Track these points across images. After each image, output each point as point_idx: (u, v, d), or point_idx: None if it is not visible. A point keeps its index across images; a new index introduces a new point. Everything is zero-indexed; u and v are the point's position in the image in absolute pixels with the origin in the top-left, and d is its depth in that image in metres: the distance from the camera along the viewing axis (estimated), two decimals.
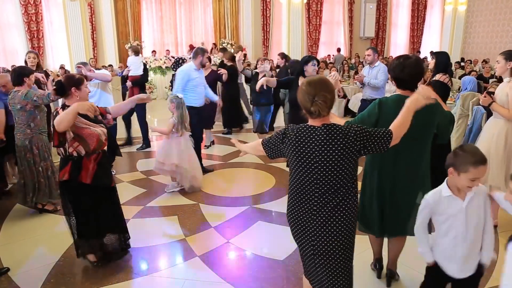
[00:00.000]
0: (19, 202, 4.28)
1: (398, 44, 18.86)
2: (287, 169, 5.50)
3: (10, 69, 11.24)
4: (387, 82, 7.33)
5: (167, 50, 14.99)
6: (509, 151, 3.64)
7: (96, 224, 3.17)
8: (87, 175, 3.03)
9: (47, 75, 5.65)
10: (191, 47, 15.26)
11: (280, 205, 4.50)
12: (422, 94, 2.22)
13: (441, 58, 4.12)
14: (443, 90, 3.72)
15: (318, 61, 4.80)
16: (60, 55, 13.43)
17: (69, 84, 3.02)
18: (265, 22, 16.42)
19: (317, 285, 2.19)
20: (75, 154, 2.98)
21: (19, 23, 12.99)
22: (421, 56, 16.34)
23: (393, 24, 18.62)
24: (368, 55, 6.01)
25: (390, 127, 2.10)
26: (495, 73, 10.89)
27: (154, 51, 14.54)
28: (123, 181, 5.29)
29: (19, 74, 4.08)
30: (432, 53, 4.79)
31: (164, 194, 4.85)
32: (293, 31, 13.03)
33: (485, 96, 3.70)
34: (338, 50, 16.21)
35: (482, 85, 8.27)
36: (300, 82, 4.49)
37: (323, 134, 1.98)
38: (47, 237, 3.84)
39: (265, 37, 16.41)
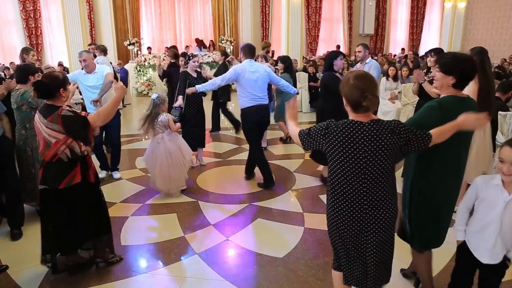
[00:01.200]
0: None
1: (397, 41, 18.86)
2: (287, 166, 5.53)
3: (9, 66, 11.25)
4: (388, 80, 7.34)
5: (166, 47, 14.95)
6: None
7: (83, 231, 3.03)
8: (92, 173, 2.97)
9: (42, 73, 5.62)
10: (197, 40, 15.23)
11: (280, 202, 4.50)
12: (478, 119, 2.18)
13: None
14: None
15: (345, 55, 5.12)
16: (59, 52, 13.41)
17: (56, 85, 2.80)
18: (264, 19, 16.40)
19: (360, 275, 2.21)
20: (86, 152, 2.89)
21: (17, 20, 12.96)
22: (420, 54, 16.31)
23: (393, 21, 18.61)
24: (358, 51, 5.77)
25: (434, 132, 2.15)
26: (494, 69, 10.89)
27: (149, 48, 14.48)
28: (122, 178, 5.28)
29: (25, 73, 3.97)
30: (432, 51, 4.76)
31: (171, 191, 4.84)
32: (292, 28, 13.01)
33: (432, 89, 4.00)
34: (337, 47, 16.18)
35: (493, 84, 8.25)
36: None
37: (372, 130, 2.01)
38: None
39: (264, 34, 16.39)
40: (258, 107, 4.76)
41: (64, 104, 2.86)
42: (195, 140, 5.47)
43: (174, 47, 8.65)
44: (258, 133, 4.97)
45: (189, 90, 4.94)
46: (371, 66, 5.57)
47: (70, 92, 2.99)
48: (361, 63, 5.77)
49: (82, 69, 5.04)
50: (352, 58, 14.69)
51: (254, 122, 4.82)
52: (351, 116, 2.09)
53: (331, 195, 2.19)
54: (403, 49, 17.48)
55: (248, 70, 4.68)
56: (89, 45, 6.80)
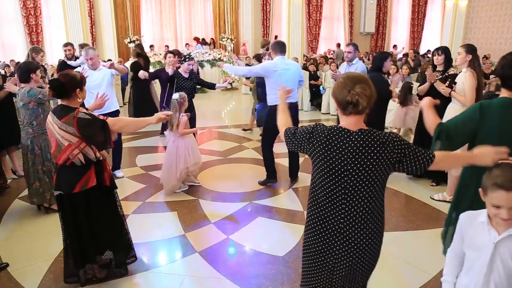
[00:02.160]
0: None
1: (398, 39, 18.82)
2: (287, 164, 5.51)
3: (9, 64, 11.23)
4: (389, 78, 7.32)
5: (166, 46, 14.94)
6: None
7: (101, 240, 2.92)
8: (108, 176, 2.86)
9: (45, 70, 5.63)
10: (196, 39, 15.23)
11: (280, 201, 4.49)
12: (497, 153, 1.86)
13: (449, 53, 4.45)
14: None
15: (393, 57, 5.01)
16: (59, 50, 13.35)
17: (72, 85, 2.69)
18: (265, 17, 16.38)
19: None
20: (101, 158, 2.79)
21: (17, 17, 12.95)
22: (421, 52, 16.30)
23: (394, 20, 18.58)
24: (348, 52, 5.43)
25: (439, 154, 1.85)
26: (495, 68, 10.88)
27: (152, 46, 14.47)
28: (122, 176, 5.27)
29: (26, 71, 3.91)
30: (438, 49, 4.77)
31: (164, 189, 4.83)
32: (293, 26, 12.96)
33: (443, 88, 4.17)
34: (338, 45, 16.16)
35: (483, 81, 8.24)
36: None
37: (358, 140, 1.77)
38: (46, 233, 3.83)
39: (265, 32, 16.36)
40: (288, 104, 4.68)
41: (79, 105, 2.76)
42: None
43: (139, 45, 8.61)
44: (276, 133, 4.90)
45: (220, 63, 5.43)
46: (357, 68, 5.27)
47: (85, 93, 2.86)
48: (348, 63, 5.49)
49: (81, 66, 5.03)
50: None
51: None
52: (342, 122, 1.87)
53: (309, 207, 1.96)
54: (395, 46, 17.40)
55: (280, 66, 4.60)
56: (67, 44, 6.64)
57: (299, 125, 4.09)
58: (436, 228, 3.74)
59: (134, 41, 13.72)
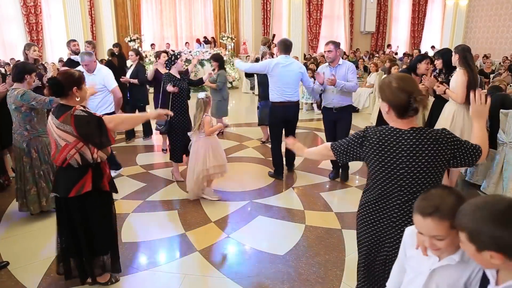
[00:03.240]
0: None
1: (399, 38, 18.82)
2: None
3: (9, 62, 11.23)
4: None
5: (167, 44, 14.93)
6: (452, 130, 4.03)
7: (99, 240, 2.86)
8: (107, 181, 2.76)
9: (45, 69, 5.63)
10: (198, 41, 15.23)
11: (281, 200, 4.50)
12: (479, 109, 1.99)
13: (447, 57, 4.47)
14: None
15: (431, 60, 4.86)
16: (59, 48, 13.37)
17: (69, 84, 2.62)
18: (265, 16, 16.37)
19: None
20: (98, 159, 2.69)
21: (18, 15, 12.94)
22: (422, 51, 16.29)
23: (394, 19, 18.57)
24: (328, 51, 4.68)
25: (479, 145, 1.91)
26: (496, 68, 10.87)
27: (153, 45, 14.47)
28: (122, 175, 5.27)
29: (21, 71, 3.80)
30: (437, 53, 4.89)
31: (164, 188, 4.84)
32: (293, 25, 12.95)
33: (438, 86, 4.27)
34: (338, 45, 16.15)
35: (483, 80, 8.22)
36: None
37: (411, 138, 1.83)
38: (47, 231, 3.82)
39: (266, 31, 16.35)
40: (286, 104, 4.84)
41: (79, 104, 2.69)
42: (182, 150, 5.00)
43: (117, 44, 8.53)
44: (280, 128, 5.08)
45: (235, 63, 5.39)
46: (348, 68, 4.70)
47: (86, 93, 2.79)
48: (330, 65, 4.75)
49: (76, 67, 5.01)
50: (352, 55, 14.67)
51: (279, 118, 4.95)
52: (393, 123, 1.91)
53: (364, 203, 2.07)
54: (389, 45, 17.45)
55: (280, 64, 4.77)
56: (73, 40, 6.64)
57: (297, 123, 3.89)
58: None
59: (134, 40, 13.72)
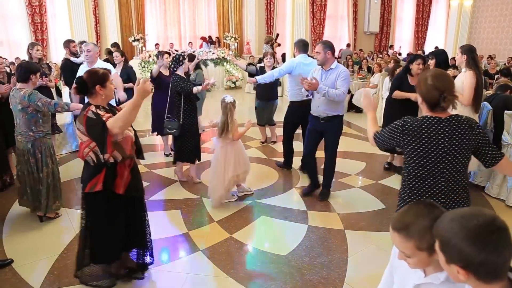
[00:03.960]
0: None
1: (402, 39, 18.76)
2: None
3: (14, 61, 11.28)
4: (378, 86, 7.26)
5: (171, 43, 14.95)
6: None
7: (118, 245, 2.84)
8: (122, 183, 2.67)
9: (49, 68, 5.65)
10: (205, 39, 15.23)
11: (283, 200, 4.50)
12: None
13: (441, 58, 4.58)
14: None
15: (423, 59, 4.91)
16: (63, 48, 13.42)
17: (93, 82, 2.59)
18: (269, 16, 16.36)
19: None
20: (111, 160, 2.61)
21: (23, 15, 12.99)
22: (426, 52, 16.24)
23: (398, 19, 18.50)
24: (316, 52, 4.14)
25: (506, 159, 2.16)
26: (500, 68, 10.82)
27: (157, 44, 14.50)
28: None
29: (26, 71, 3.75)
30: (430, 53, 4.98)
31: (167, 187, 4.85)
32: (297, 25, 12.93)
33: None
34: (348, 45, 16.34)
35: (487, 81, 8.20)
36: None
37: (451, 125, 2.06)
38: (51, 230, 3.85)
39: (269, 31, 16.33)
40: (306, 101, 4.73)
41: (104, 102, 2.66)
42: (193, 152, 4.88)
43: (115, 44, 8.47)
44: (296, 126, 5.18)
45: (250, 80, 5.13)
46: (339, 74, 4.11)
47: (112, 91, 2.71)
48: (323, 68, 4.20)
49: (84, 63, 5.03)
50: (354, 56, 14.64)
51: (297, 117, 5.03)
52: (429, 113, 2.12)
53: (407, 187, 2.23)
54: (391, 46, 17.47)
55: (302, 64, 4.87)
56: (71, 41, 6.61)
57: None
58: None
59: (138, 40, 13.75)
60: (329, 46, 4.12)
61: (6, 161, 4.74)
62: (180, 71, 4.69)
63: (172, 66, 4.75)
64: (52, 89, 5.65)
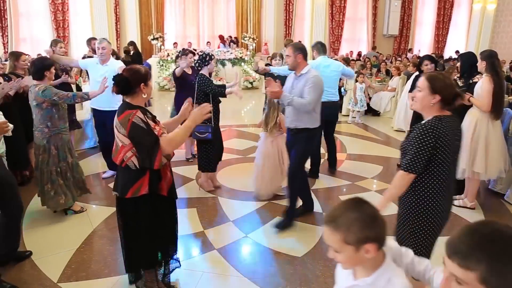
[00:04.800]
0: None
1: (422, 42, 18.52)
2: (307, 165, 5.48)
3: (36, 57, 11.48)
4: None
5: (189, 43, 15.06)
6: (477, 138, 4.11)
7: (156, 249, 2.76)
8: (166, 185, 2.60)
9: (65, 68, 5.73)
10: (222, 38, 15.35)
11: (300, 202, 4.46)
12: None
13: (467, 60, 4.45)
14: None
15: (432, 60, 5.10)
16: (85, 45, 13.62)
17: (137, 80, 2.43)
18: (287, 17, 16.34)
19: None
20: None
21: (45, 12, 13.26)
22: (446, 56, 15.99)
23: (418, 22, 18.27)
24: (287, 55, 3.73)
25: None
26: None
27: (175, 43, 14.62)
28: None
29: (40, 68, 3.70)
30: (459, 56, 4.94)
31: (183, 186, 4.88)
32: (315, 27, 12.95)
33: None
34: (374, 48, 16.41)
35: (509, 87, 8.02)
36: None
37: (457, 122, 2.23)
38: (70, 224, 3.91)
39: (287, 33, 16.32)
40: (329, 104, 4.88)
41: (143, 102, 2.54)
42: (217, 158, 4.76)
43: (132, 42, 8.46)
44: (321, 129, 5.06)
45: (262, 68, 5.19)
46: (307, 81, 3.58)
47: (151, 89, 2.62)
48: (295, 73, 3.75)
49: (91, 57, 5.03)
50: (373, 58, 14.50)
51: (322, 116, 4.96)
52: (436, 112, 2.17)
53: (437, 194, 2.18)
54: (410, 50, 17.37)
55: (322, 65, 4.95)
56: (93, 39, 6.67)
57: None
58: None
59: (157, 38, 13.88)
60: (300, 49, 3.68)
61: (27, 157, 4.83)
62: (205, 71, 4.52)
63: (197, 65, 4.58)
64: (72, 85, 5.74)
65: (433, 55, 5.63)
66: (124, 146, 2.44)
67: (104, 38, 5.07)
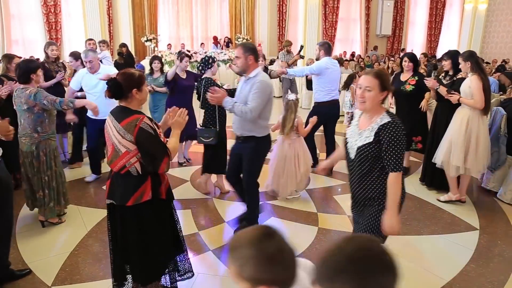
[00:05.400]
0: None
1: (415, 42, 18.63)
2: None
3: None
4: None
5: (182, 44, 15.03)
6: (469, 135, 4.15)
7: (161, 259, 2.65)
8: (164, 188, 2.55)
9: (64, 67, 5.71)
10: (215, 39, 15.34)
11: (294, 202, 4.49)
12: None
13: (457, 59, 4.42)
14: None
15: (426, 55, 5.24)
16: (77, 47, 13.55)
17: (129, 85, 2.39)
18: (281, 18, 16.37)
19: None
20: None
21: (38, 14, 13.17)
22: (438, 56, 16.10)
23: (411, 22, 18.37)
24: (236, 57, 3.41)
25: None
26: None
27: (169, 45, 14.60)
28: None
29: (26, 71, 3.53)
30: (446, 54, 4.95)
31: (178, 187, 4.87)
32: (309, 28, 12.94)
33: (450, 95, 4.25)
34: (375, 47, 16.57)
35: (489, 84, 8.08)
36: None
37: None
38: (63, 227, 3.89)
39: (281, 33, 16.35)
40: (332, 101, 5.25)
41: (138, 107, 2.50)
42: (224, 160, 4.37)
43: (124, 44, 8.48)
44: (320, 126, 5.25)
45: (280, 71, 5.24)
46: (253, 85, 3.30)
47: (147, 94, 2.57)
48: (245, 76, 3.44)
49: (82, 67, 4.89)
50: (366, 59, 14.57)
51: (326, 114, 5.20)
52: (382, 108, 2.23)
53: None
54: (403, 50, 17.37)
55: (330, 66, 5.19)
56: (89, 40, 6.67)
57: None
58: (451, 233, 3.71)
59: (150, 40, 13.85)
60: (251, 50, 3.35)
61: (18, 160, 4.77)
62: (208, 74, 4.49)
63: (200, 68, 4.55)
64: (65, 87, 5.71)
65: (414, 53, 5.65)
66: (128, 152, 2.38)
67: (88, 50, 4.80)
